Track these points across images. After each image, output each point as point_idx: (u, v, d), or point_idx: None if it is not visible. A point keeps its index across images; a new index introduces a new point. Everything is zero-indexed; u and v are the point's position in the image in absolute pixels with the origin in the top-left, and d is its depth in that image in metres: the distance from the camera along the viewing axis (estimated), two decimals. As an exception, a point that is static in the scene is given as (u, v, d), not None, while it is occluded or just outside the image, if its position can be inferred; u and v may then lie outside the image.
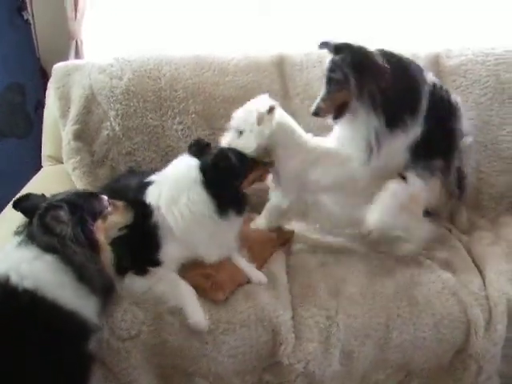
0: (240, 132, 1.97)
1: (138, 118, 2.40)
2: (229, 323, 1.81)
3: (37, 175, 2.51)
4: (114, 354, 1.79)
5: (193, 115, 2.42)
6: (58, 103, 2.45)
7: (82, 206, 1.68)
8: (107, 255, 1.74)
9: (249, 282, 1.95)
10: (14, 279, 1.51)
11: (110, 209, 1.79)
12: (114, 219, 1.81)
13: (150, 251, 1.88)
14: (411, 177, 2.01)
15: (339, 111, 1.99)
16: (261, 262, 2.04)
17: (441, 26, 3.03)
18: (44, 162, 2.60)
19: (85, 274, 1.62)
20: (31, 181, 2.44)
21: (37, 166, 2.65)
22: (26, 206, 1.66)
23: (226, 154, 1.88)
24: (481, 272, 2.03)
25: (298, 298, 1.91)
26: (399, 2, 3.05)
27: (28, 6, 3.03)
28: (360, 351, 1.86)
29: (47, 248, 1.58)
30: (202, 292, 1.86)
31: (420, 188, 2.01)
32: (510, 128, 2.42)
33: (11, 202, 1.69)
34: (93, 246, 1.67)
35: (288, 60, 2.52)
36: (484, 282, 1.98)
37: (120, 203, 1.85)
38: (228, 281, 1.89)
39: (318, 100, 1.98)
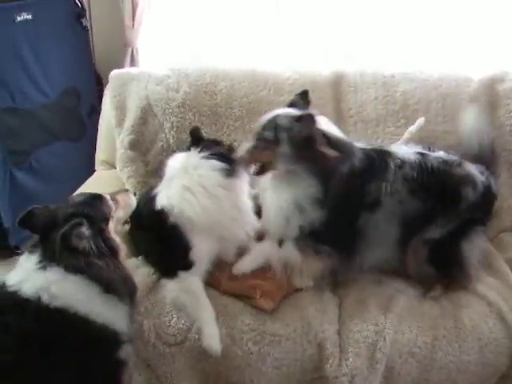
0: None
1: (193, 132, 2.43)
2: (274, 335, 1.83)
3: (90, 179, 2.55)
4: (159, 357, 1.83)
5: (248, 134, 2.39)
6: (114, 112, 2.49)
7: (95, 215, 1.67)
8: (124, 253, 1.77)
9: (296, 290, 1.97)
10: (46, 299, 1.52)
11: (114, 207, 1.80)
12: (117, 215, 1.82)
13: (178, 254, 1.91)
14: (288, 245, 1.97)
15: (261, 168, 1.94)
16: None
17: (495, 48, 3.02)
18: (97, 166, 2.65)
19: (112, 286, 1.62)
20: (85, 184, 2.47)
21: (88, 169, 2.69)
22: (34, 223, 1.64)
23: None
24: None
25: (348, 311, 1.92)
26: (451, 24, 3.05)
27: (87, 13, 3.12)
28: (402, 368, 1.85)
29: (73, 269, 1.57)
30: (251, 302, 1.89)
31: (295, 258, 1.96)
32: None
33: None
34: (113, 252, 1.68)
35: (343, 80, 2.50)
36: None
37: (120, 196, 1.86)
38: (276, 290, 1.91)
39: (244, 149, 1.91)
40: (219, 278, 1.97)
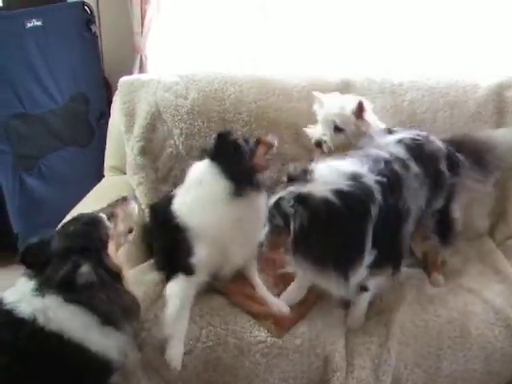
0: (336, 128, 2.10)
1: (202, 138, 2.42)
2: (282, 348, 1.84)
3: (99, 184, 2.57)
4: (167, 365, 1.82)
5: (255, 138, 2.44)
6: (123, 119, 2.49)
7: (92, 246, 1.64)
8: (127, 274, 1.74)
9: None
10: (41, 321, 1.52)
11: (112, 225, 1.76)
12: (118, 230, 1.79)
13: (182, 256, 1.93)
14: None
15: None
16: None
17: (503, 54, 3.02)
18: (106, 171, 2.66)
19: (110, 319, 1.62)
20: (94, 189, 2.50)
21: (97, 175, 2.71)
22: (31, 261, 1.63)
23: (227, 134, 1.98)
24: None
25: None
26: (457, 30, 3.05)
27: (96, 19, 3.15)
28: (409, 379, 1.85)
29: (72, 301, 1.57)
30: (261, 322, 1.91)
31: None
32: None
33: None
34: (115, 277, 1.67)
35: (351, 88, 2.50)
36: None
37: (119, 209, 1.83)
38: (290, 319, 1.90)
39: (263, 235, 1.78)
40: (238, 292, 2.00)
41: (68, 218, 2.19)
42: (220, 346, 1.85)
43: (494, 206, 2.40)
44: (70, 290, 1.56)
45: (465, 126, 2.37)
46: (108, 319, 1.61)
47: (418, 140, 2.00)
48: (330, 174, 1.74)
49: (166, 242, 2.03)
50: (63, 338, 1.53)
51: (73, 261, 1.57)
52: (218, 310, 1.93)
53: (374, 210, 1.72)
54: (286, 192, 1.72)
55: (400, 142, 1.98)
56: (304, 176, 1.75)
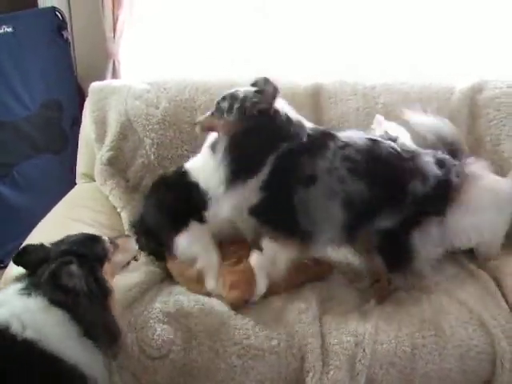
0: None
1: (174, 149, 2.42)
2: (258, 349, 1.83)
3: (71, 192, 2.54)
4: (143, 369, 1.83)
5: None
6: (93, 126, 2.48)
7: (88, 254, 1.66)
8: (115, 299, 1.71)
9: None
10: (15, 328, 1.45)
11: (112, 249, 1.78)
12: (115, 259, 1.80)
13: (195, 207, 2.03)
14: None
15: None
16: (289, 286, 2.05)
17: (475, 56, 3.06)
18: (78, 179, 2.64)
19: (92, 330, 1.57)
20: (66, 197, 2.47)
21: (71, 182, 2.68)
22: (27, 260, 1.62)
23: None
24: (509, 304, 2.01)
25: (326, 324, 1.91)
26: (429, 32, 3.08)
27: (68, 25, 3.12)
28: (384, 380, 1.85)
29: (57, 303, 1.53)
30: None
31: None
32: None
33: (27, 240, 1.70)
34: (104, 294, 1.65)
35: (323, 91, 2.52)
36: (512, 314, 1.96)
37: (120, 240, 1.86)
38: (243, 282, 1.94)
39: (204, 116, 2.06)
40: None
41: (40, 225, 2.19)
42: (195, 348, 1.83)
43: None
44: (56, 289, 1.53)
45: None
46: (90, 330, 1.56)
47: (393, 149, 1.97)
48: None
49: (176, 198, 2.10)
50: (37, 347, 1.44)
51: (65, 259, 1.57)
52: (192, 313, 1.91)
53: (283, 148, 1.88)
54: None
55: (371, 140, 1.99)
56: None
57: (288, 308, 1.96)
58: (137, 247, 1.96)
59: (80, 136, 2.66)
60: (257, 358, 1.82)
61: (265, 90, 1.92)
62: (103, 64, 3.09)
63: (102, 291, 1.63)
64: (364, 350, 1.83)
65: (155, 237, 2.11)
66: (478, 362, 1.88)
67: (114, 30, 3.02)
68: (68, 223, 2.19)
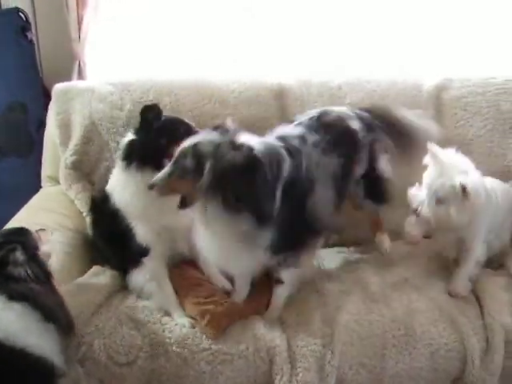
0: (439, 200, 1.95)
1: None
2: (226, 354, 1.82)
3: (36, 195, 2.50)
4: (111, 376, 1.81)
5: None
6: (57, 130, 2.44)
7: (27, 242, 1.67)
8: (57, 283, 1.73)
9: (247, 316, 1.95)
10: None
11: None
12: (43, 249, 1.79)
13: (131, 241, 1.97)
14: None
15: (183, 200, 1.77)
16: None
17: (442, 55, 3.06)
18: (44, 182, 2.60)
19: (52, 313, 1.58)
20: (31, 201, 2.43)
21: (38, 185, 2.64)
22: None
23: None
24: (479, 301, 2.03)
25: (292, 327, 1.91)
26: (397, 30, 3.07)
27: (33, 26, 3.06)
28: (353, 380, 1.85)
29: (17, 296, 1.53)
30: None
31: None
32: (510, 157, 2.44)
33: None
34: (49, 277, 1.66)
35: (288, 93, 2.50)
36: (482, 312, 1.98)
37: (40, 233, 1.84)
38: (224, 317, 1.88)
39: (159, 176, 1.73)
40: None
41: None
42: (163, 355, 1.81)
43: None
44: (9, 283, 1.53)
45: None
46: (50, 314, 1.57)
47: (314, 116, 2.04)
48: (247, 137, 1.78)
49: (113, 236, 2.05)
50: (5, 345, 1.44)
51: (10, 247, 1.58)
52: (159, 318, 1.90)
53: (285, 169, 1.79)
54: (205, 137, 1.75)
55: (298, 124, 2.02)
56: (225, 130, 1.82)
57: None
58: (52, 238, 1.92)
59: (45, 139, 2.63)
60: (225, 362, 1.81)
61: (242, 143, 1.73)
62: (69, 65, 3.03)
63: (46, 275, 1.65)
64: (332, 352, 1.83)
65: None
66: (449, 360, 1.90)
67: (79, 30, 2.96)
68: (32, 227, 2.13)
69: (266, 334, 1.86)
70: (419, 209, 1.99)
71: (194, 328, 1.87)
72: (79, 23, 2.94)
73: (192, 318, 1.90)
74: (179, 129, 1.92)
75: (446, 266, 2.19)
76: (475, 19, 3.02)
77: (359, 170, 2.07)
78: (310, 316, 1.93)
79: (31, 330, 1.52)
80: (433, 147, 2.00)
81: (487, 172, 2.37)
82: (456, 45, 3.06)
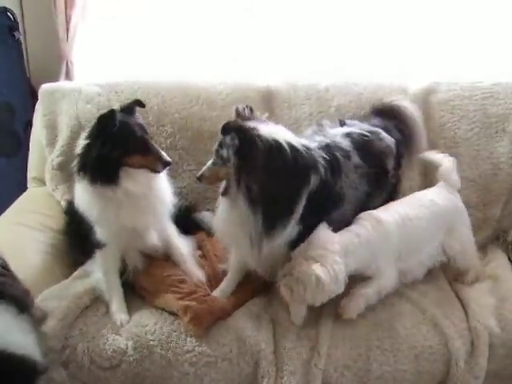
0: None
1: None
2: (210, 356, 1.82)
3: (22, 196, 2.49)
4: (94, 380, 1.81)
5: (180, 151, 2.42)
6: (44, 131, 2.44)
7: None
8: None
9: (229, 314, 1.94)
10: None
11: None
12: None
13: (92, 236, 1.98)
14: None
15: (226, 188, 1.85)
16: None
17: (430, 58, 3.07)
18: (29, 183, 2.59)
19: (22, 304, 1.58)
20: (16, 202, 2.42)
21: (25, 186, 2.63)
22: None
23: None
24: (463, 304, 2.04)
25: (280, 329, 1.91)
26: (388, 33, 3.08)
27: (20, 25, 3.05)
28: (339, 382, 1.85)
29: None
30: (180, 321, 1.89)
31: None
32: (496, 161, 2.44)
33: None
34: (7, 265, 1.68)
35: (276, 95, 2.50)
36: (466, 314, 1.98)
37: None
38: (207, 314, 1.88)
39: (205, 167, 1.86)
40: (153, 293, 1.99)
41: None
42: (147, 358, 1.81)
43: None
44: None
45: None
46: (21, 304, 1.57)
47: (366, 136, 2.04)
48: (282, 130, 1.84)
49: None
50: None
51: None
52: (142, 321, 1.90)
53: (314, 180, 1.80)
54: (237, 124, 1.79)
55: (348, 135, 2.03)
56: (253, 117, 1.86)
57: (239, 315, 1.95)
58: None
59: (31, 139, 2.62)
60: (209, 364, 1.81)
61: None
62: (56, 65, 3.02)
63: (4, 263, 1.66)
64: (319, 354, 1.83)
65: None
66: (433, 363, 1.90)
67: (67, 30, 2.95)
68: (17, 228, 2.17)
69: (250, 337, 1.86)
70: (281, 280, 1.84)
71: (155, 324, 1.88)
72: (67, 23, 2.93)
73: (174, 313, 1.90)
74: (134, 140, 1.89)
75: (430, 269, 2.18)
76: (464, 23, 3.03)
77: (377, 202, 2.08)
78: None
79: (10, 328, 1.51)
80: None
81: (473, 175, 2.42)
82: (444, 49, 3.07)
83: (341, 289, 1.79)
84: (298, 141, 1.83)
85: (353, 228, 1.91)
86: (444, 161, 2.19)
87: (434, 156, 2.20)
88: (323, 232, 1.85)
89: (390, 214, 1.98)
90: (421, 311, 1.98)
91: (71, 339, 1.82)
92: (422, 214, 2.04)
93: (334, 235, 1.85)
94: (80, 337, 1.83)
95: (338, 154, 1.93)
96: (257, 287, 2.06)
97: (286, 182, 1.76)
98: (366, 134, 2.06)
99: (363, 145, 2.01)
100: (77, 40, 3.00)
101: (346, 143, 1.99)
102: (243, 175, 1.74)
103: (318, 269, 1.73)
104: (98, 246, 1.99)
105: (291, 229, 1.83)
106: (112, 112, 1.84)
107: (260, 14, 3.09)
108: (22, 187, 2.64)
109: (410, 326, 1.93)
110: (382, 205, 2.05)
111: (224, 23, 3.10)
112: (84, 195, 1.93)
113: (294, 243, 1.86)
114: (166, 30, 3.12)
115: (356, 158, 1.96)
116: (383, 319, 1.94)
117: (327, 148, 1.93)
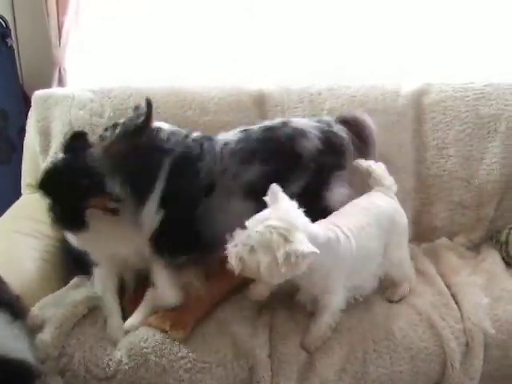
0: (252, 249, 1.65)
1: (119, 159, 2.38)
2: (205, 362, 1.82)
3: (16, 203, 2.49)
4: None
5: None
6: (38, 138, 2.44)
7: None
8: None
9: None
10: None
11: None
12: None
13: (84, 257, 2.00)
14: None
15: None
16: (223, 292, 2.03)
17: (422, 59, 3.07)
18: (24, 189, 2.58)
19: (15, 310, 1.58)
20: (10, 209, 2.42)
21: (19, 192, 2.62)
22: None
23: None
24: (458, 304, 2.04)
25: (278, 334, 1.90)
26: (379, 35, 3.08)
27: (13, 32, 3.05)
28: (337, 386, 1.86)
29: None
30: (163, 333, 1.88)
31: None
32: (489, 161, 2.44)
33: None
34: None
35: (269, 99, 2.50)
36: (461, 315, 1.99)
37: None
38: (186, 316, 1.89)
39: None
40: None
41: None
42: (142, 366, 1.81)
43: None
44: None
45: (386, 133, 2.37)
46: (15, 311, 1.57)
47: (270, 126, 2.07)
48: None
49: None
50: None
51: None
52: (135, 329, 1.90)
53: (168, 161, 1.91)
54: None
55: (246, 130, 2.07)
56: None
57: (232, 319, 1.95)
58: None
59: (25, 146, 2.61)
60: (204, 370, 1.81)
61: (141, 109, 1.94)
62: (49, 71, 3.03)
63: None
64: (315, 359, 1.83)
65: None
66: (429, 364, 1.90)
67: (60, 36, 2.95)
68: (11, 235, 2.17)
69: (245, 342, 1.86)
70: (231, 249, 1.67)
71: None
72: (59, 29, 2.93)
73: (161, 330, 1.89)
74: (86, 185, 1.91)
75: (420, 270, 2.21)
76: (462, 24, 3.05)
77: (293, 187, 1.94)
78: (296, 323, 1.93)
79: (6, 333, 1.51)
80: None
81: (466, 175, 2.43)
82: (440, 50, 3.08)
83: (300, 270, 1.59)
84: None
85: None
86: (373, 167, 2.09)
87: (364, 163, 2.10)
88: (289, 205, 1.68)
89: (341, 226, 1.82)
90: (416, 313, 1.98)
91: (68, 348, 1.82)
92: (371, 219, 1.90)
93: (300, 211, 1.69)
94: (77, 346, 1.83)
95: (213, 144, 2.00)
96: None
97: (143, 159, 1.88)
98: (266, 125, 2.09)
99: (258, 134, 2.04)
100: (69, 46, 3.00)
101: (233, 137, 2.04)
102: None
103: (280, 241, 1.57)
104: (94, 263, 2.01)
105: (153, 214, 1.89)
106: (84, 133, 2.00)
107: (260, 14, 3.10)
108: (17, 193, 2.63)
109: (406, 328, 1.92)
110: (303, 189, 1.97)
111: (224, 23, 3.10)
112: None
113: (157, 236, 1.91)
114: (161, 33, 3.11)
115: (235, 146, 1.99)
116: (379, 321, 1.94)
117: (202, 140, 2.02)
